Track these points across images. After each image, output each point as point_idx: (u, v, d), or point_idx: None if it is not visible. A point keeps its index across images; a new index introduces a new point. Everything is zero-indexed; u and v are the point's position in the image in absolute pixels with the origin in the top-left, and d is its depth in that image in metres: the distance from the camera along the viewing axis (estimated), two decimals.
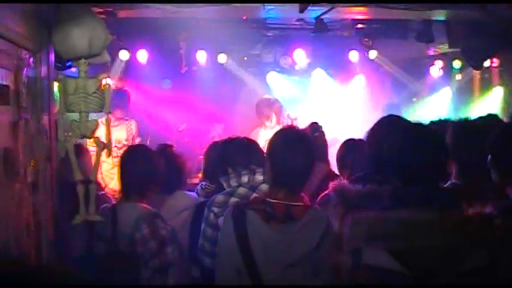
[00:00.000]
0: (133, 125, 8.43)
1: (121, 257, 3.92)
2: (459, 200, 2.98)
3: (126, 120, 8.38)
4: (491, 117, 4.02)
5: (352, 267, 2.96)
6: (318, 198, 4.25)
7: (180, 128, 9.40)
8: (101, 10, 5.41)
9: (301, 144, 3.49)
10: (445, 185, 3.55)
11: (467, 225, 2.83)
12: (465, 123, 3.90)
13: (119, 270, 3.86)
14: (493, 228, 2.88)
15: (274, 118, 8.49)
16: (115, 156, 7.92)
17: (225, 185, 4.33)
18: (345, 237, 3.05)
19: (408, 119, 3.74)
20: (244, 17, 7.74)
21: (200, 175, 8.19)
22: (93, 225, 4.06)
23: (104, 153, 4.60)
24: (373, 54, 9.39)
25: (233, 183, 4.24)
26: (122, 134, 8.21)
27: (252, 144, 4.51)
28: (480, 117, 3.97)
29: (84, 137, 4.53)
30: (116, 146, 7.98)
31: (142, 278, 3.91)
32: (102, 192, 5.57)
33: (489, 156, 3.24)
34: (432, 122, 4.49)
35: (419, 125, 3.22)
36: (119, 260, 3.91)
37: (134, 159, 4.28)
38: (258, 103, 8.76)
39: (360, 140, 4.85)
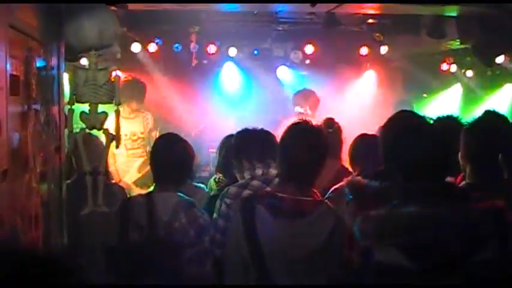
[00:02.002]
0: (149, 117, 8.35)
1: (158, 245, 3.92)
2: (472, 198, 2.97)
3: (143, 112, 8.34)
4: (493, 114, 4.00)
5: (362, 265, 2.96)
6: (330, 190, 4.24)
7: (198, 129, 9.39)
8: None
9: (313, 139, 3.47)
10: (460, 185, 3.54)
11: (476, 218, 2.82)
12: (475, 124, 3.87)
13: (156, 258, 3.86)
14: (502, 221, 2.87)
15: (308, 112, 8.43)
16: (130, 149, 7.91)
17: (238, 176, 4.32)
18: (355, 235, 3.05)
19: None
20: (255, 11, 7.73)
21: (209, 168, 8.22)
22: (128, 213, 4.04)
23: (114, 144, 4.61)
24: (381, 50, 9.35)
25: (247, 175, 4.23)
26: (138, 126, 8.13)
27: (269, 136, 4.44)
28: (485, 115, 3.94)
29: (93, 128, 4.54)
30: (130, 139, 7.96)
31: (179, 266, 3.91)
32: (113, 181, 5.57)
33: (500, 155, 3.23)
34: (439, 118, 4.47)
35: (421, 121, 3.20)
36: (156, 248, 3.90)
37: (170, 148, 4.21)
38: (294, 94, 8.74)
39: (372, 135, 4.84)
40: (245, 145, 4.35)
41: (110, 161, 7.13)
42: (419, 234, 2.77)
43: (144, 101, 8.33)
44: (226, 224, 3.90)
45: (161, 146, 4.27)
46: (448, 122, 4.39)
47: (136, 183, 7.56)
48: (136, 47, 8.91)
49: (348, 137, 5.33)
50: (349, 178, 3.45)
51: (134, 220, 3.99)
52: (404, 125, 3.19)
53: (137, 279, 3.78)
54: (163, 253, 3.89)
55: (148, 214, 3.96)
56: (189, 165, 4.24)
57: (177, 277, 3.88)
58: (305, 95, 8.60)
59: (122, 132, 7.45)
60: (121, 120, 7.44)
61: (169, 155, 4.15)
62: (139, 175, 7.63)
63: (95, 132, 4.86)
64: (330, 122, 5.61)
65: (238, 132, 4.55)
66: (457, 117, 4.56)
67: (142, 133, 8.06)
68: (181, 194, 4.07)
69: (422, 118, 3.28)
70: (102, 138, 4.94)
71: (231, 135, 5.04)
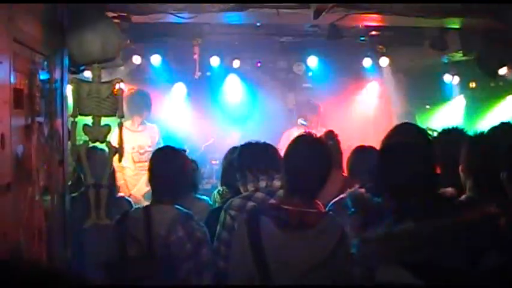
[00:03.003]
0: (156, 130, 8.35)
1: (156, 259, 3.91)
2: (470, 211, 2.97)
3: (150, 125, 8.34)
4: (504, 126, 3.98)
5: (365, 284, 2.96)
6: (331, 202, 4.23)
7: (207, 143, 9.39)
8: (115, 15, 5.42)
9: (317, 151, 3.48)
10: (460, 199, 3.54)
11: (473, 228, 2.81)
12: (478, 138, 3.85)
13: (154, 272, 3.86)
14: (498, 228, 2.86)
15: (314, 124, 8.46)
16: (137, 162, 7.88)
17: (242, 189, 4.32)
18: (356, 255, 3.07)
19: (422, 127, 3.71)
20: (258, 24, 7.74)
21: (212, 180, 8.21)
22: (126, 227, 4.04)
23: (117, 157, 4.61)
24: (384, 61, 9.35)
25: (250, 187, 4.24)
26: (145, 139, 8.12)
27: (272, 149, 4.48)
28: (493, 128, 3.92)
29: (96, 141, 4.54)
30: (138, 152, 7.94)
31: (178, 279, 3.90)
32: (122, 194, 5.58)
33: (503, 173, 3.20)
34: (444, 130, 4.47)
35: (414, 135, 3.22)
36: (154, 262, 3.90)
37: (166, 161, 4.23)
38: (298, 105, 8.78)
39: (370, 146, 4.86)
40: (248, 158, 4.37)
41: (118, 174, 7.15)
42: (419, 251, 2.77)
43: (150, 112, 8.33)
44: (230, 236, 3.90)
45: (157, 159, 4.28)
46: (453, 134, 4.39)
47: (145, 196, 7.55)
48: (137, 59, 8.93)
49: (350, 148, 5.34)
50: (351, 190, 3.45)
51: (131, 233, 3.99)
52: (392, 142, 3.21)
53: None
54: (161, 266, 3.88)
55: (145, 227, 3.96)
56: (186, 178, 4.24)
57: None
58: (310, 107, 8.65)
59: (130, 145, 7.49)
60: (128, 133, 7.50)
61: (166, 168, 4.16)
62: (147, 188, 7.61)
63: (99, 145, 4.86)
64: (331, 135, 5.62)
65: (241, 146, 4.57)
66: (462, 129, 4.55)
67: (149, 146, 8.01)
68: (179, 207, 4.07)
69: (420, 132, 3.28)
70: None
71: (234, 148, 5.06)
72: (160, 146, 7.71)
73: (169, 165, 4.17)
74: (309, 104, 8.93)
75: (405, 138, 3.28)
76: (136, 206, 4.32)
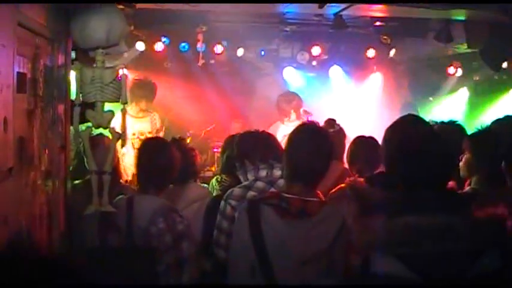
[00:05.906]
0: (157, 117, 8.37)
1: (135, 250, 3.89)
2: (475, 204, 2.96)
3: (151, 112, 8.36)
4: (509, 118, 3.98)
5: (361, 273, 2.96)
6: (332, 191, 4.24)
7: (208, 128, 9.38)
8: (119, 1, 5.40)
9: (319, 140, 3.49)
10: (465, 190, 3.53)
11: (478, 228, 2.80)
12: (481, 132, 3.85)
13: (133, 264, 3.83)
14: (504, 230, 2.86)
15: (293, 114, 8.42)
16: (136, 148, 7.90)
17: (241, 178, 4.31)
18: (354, 244, 3.06)
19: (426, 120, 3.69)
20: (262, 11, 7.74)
21: (213, 168, 8.22)
22: (107, 216, 4.03)
23: (120, 143, 4.60)
24: (391, 52, 9.33)
25: (250, 176, 4.23)
26: (146, 126, 8.13)
27: (271, 138, 4.47)
28: (496, 121, 3.92)
29: (99, 126, 4.53)
30: (138, 138, 7.94)
31: (157, 272, 3.87)
32: (125, 182, 5.58)
33: (503, 163, 3.21)
34: (443, 122, 4.47)
35: (425, 129, 3.19)
36: (132, 253, 3.88)
37: (152, 152, 4.23)
38: (277, 99, 8.74)
39: (370, 137, 4.86)
40: (247, 148, 4.36)
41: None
42: (420, 244, 2.76)
43: (153, 101, 8.35)
44: (230, 226, 3.89)
45: (143, 151, 4.29)
46: (450, 127, 4.39)
47: None
48: (140, 46, 8.91)
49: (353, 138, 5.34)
50: (351, 180, 3.45)
51: (113, 223, 3.99)
52: (407, 135, 3.18)
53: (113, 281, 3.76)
54: (140, 257, 3.86)
55: (126, 217, 3.96)
56: (172, 170, 4.22)
57: (155, 282, 3.86)
58: (287, 99, 8.57)
59: (130, 131, 7.49)
60: (130, 119, 7.49)
61: (150, 160, 4.17)
62: None
63: (101, 130, 4.86)
64: (332, 123, 5.60)
65: (240, 136, 4.58)
66: (458, 123, 4.56)
67: (150, 133, 8.04)
68: (163, 199, 4.07)
69: (427, 125, 3.26)
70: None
71: (232, 136, 5.07)
72: (159, 133, 7.78)
73: (155, 157, 4.18)
74: (286, 96, 8.86)
75: (415, 129, 3.25)
76: (120, 196, 4.31)
